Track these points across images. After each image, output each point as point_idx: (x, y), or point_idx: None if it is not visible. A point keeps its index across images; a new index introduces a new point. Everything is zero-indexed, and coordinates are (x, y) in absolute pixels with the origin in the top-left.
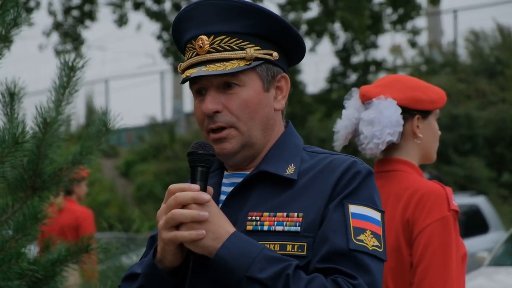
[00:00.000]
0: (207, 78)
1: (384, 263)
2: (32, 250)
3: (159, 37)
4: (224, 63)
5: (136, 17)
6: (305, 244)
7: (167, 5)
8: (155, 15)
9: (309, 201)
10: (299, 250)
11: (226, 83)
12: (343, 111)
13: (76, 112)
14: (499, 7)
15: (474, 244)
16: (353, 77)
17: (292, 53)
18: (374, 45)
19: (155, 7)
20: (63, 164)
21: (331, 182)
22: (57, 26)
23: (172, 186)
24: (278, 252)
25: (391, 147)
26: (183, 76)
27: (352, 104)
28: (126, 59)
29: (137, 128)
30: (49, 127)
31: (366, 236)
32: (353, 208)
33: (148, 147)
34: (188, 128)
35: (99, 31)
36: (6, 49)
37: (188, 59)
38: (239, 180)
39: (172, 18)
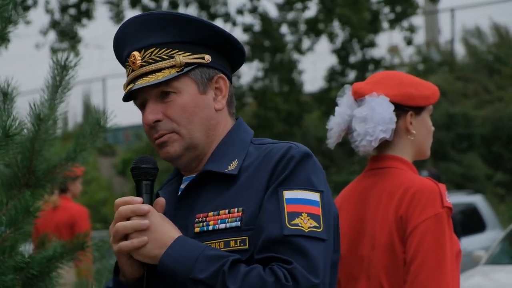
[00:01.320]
0: (145, 91)
1: (326, 241)
2: (28, 247)
3: None
4: (156, 73)
5: (132, 15)
6: (247, 237)
7: (165, 4)
8: None
9: (249, 195)
10: (242, 244)
11: (163, 92)
12: (336, 108)
13: (73, 109)
14: (496, 5)
15: (471, 243)
16: (351, 75)
17: (228, 52)
18: (372, 44)
19: (152, 5)
20: (56, 161)
21: (267, 171)
22: (54, 24)
23: (118, 200)
24: (223, 249)
25: (384, 144)
26: (126, 91)
27: (345, 101)
28: None
29: (134, 127)
30: (42, 124)
31: (302, 219)
32: (287, 194)
33: (145, 145)
34: None
35: (97, 30)
36: (4, 48)
37: (127, 76)
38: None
39: None
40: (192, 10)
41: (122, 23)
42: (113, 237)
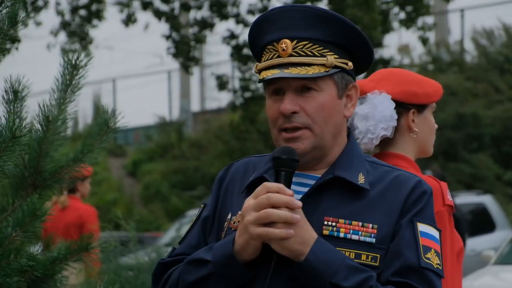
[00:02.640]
0: (286, 80)
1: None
2: (34, 248)
3: (169, 37)
4: (306, 67)
5: (143, 17)
6: (379, 255)
7: (176, 5)
8: (163, 15)
9: (382, 214)
10: (373, 261)
11: (305, 86)
12: None
13: (83, 110)
14: (505, 6)
15: (480, 243)
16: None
17: (362, 64)
18: (381, 44)
19: (163, 7)
20: (64, 162)
21: (400, 198)
22: (64, 25)
23: (268, 184)
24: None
25: (387, 142)
26: (262, 75)
27: None
28: (134, 58)
29: (144, 128)
30: (51, 125)
31: (431, 254)
32: (421, 227)
33: (155, 146)
34: (195, 128)
35: (107, 31)
36: (15, 49)
37: (267, 60)
38: (307, 180)
39: (181, 18)
40: (204, 12)
41: (276, 7)
42: (258, 219)
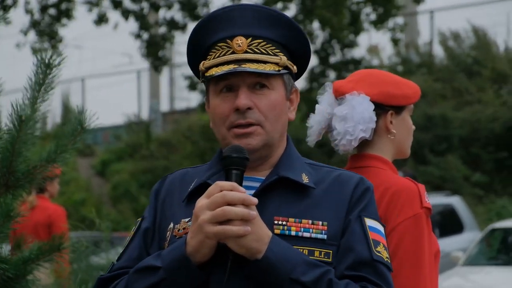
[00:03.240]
0: (240, 76)
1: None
2: (4, 248)
3: (138, 36)
4: (262, 64)
5: (113, 16)
6: (331, 251)
7: (145, 4)
8: (132, 14)
9: (329, 212)
10: (326, 257)
11: (259, 83)
12: (317, 105)
13: (52, 110)
14: (474, 8)
15: (449, 244)
16: (332, 76)
17: (300, 72)
18: (353, 44)
19: (133, 6)
20: (37, 162)
21: (346, 195)
22: (34, 24)
23: (221, 183)
24: None
25: (364, 143)
26: (211, 72)
27: (325, 99)
28: (103, 57)
29: (113, 127)
30: (24, 125)
31: (381, 248)
32: (368, 222)
33: (124, 146)
34: (165, 128)
35: (76, 30)
36: None
37: (219, 56)
38: (252, 183)
39: (150, 18)
40: (174, 12)
41: (226, 5)
42: (214, 217)
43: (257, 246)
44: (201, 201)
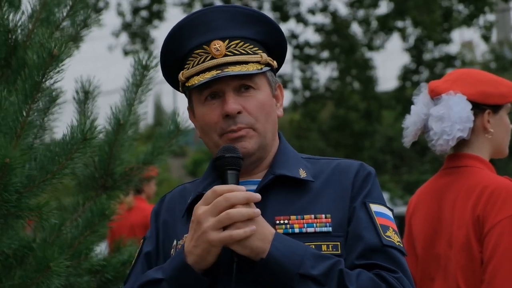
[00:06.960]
0: (224, 81)
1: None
2: (103, 249)
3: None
4: (244, 65)
5: None
6: (339, 243)
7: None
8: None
9: (331, 202)
10: (334, 249)
11: (244, 85)
12: (412, 106)
13: (146, 111)
14: None
15: None
16: (425, 74)
17: (278, 67)
18: (447, 40)
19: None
20: (134, 164)
21: (347, 183)
22: (126, 26)
23: (218, 188)
24: None
25: (461, 143)
26: (193, 81)
27: (421, 100)
28: None
29: None
30: (121, 128)
31: (391, 232)
32: (374, 207)
33: None
34: None
35: (168, 31)
36: (76, 49)
37: (198, 64)
38: (249, 186)
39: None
40: (265, 12)
41: (196, 11)
42: (219, 223)
43: (261, 245)
44: (201, 208)
